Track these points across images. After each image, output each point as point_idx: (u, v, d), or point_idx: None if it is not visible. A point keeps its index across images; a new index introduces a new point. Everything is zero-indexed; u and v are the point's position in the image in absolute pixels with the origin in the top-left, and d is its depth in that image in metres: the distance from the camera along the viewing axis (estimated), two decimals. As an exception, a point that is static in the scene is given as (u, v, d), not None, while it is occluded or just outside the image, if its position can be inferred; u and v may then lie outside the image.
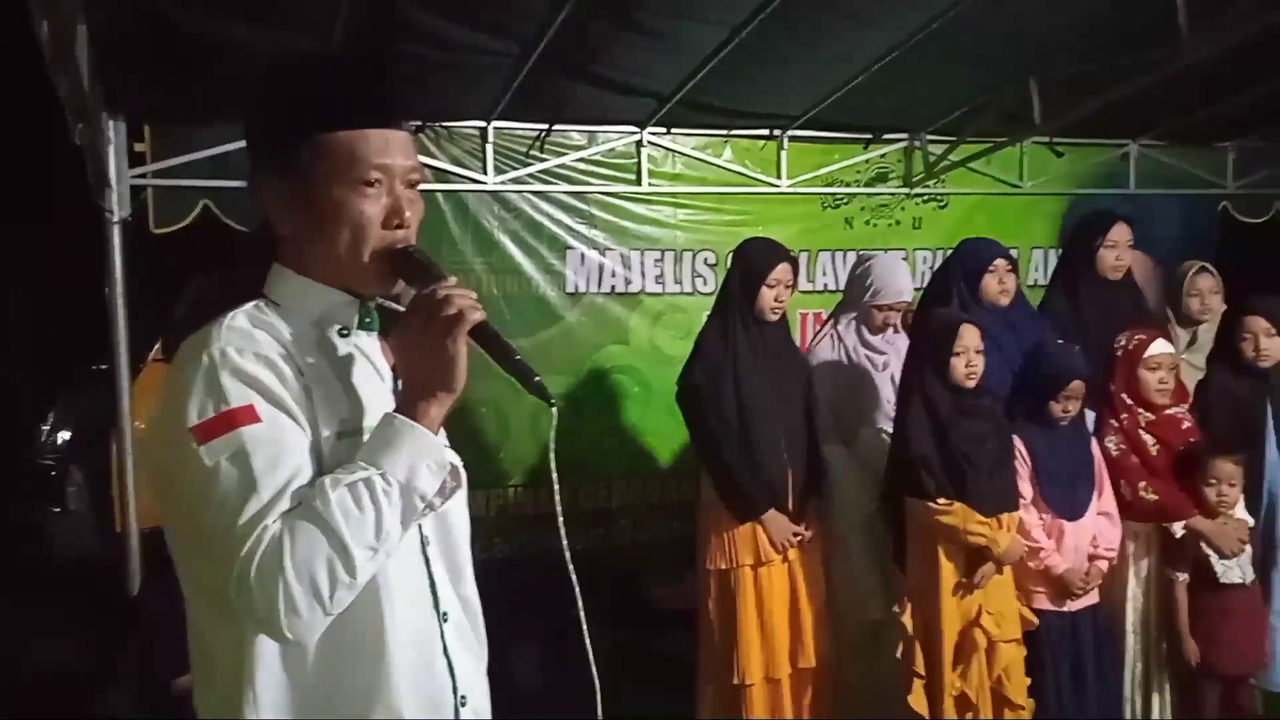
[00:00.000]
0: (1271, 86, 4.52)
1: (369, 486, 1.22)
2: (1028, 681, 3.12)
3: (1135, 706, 3.35)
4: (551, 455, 1.43)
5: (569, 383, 4.65)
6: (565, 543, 1.41)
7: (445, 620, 1.39)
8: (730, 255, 4.74)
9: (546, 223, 4.63)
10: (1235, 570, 3.26)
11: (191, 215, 4.04)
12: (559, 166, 4.59)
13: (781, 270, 3.39)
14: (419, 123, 4.32)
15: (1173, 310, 4.07)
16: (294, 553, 1.18)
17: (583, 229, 4.67)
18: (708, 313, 4.31)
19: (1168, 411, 3.36)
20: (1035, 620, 3.15)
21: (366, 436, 1.30)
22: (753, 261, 3.43)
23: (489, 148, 4.45)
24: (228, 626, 1.27)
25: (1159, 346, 3.35)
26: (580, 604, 1.40)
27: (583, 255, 4.66)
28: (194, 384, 1.24)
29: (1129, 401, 3.36)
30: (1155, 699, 3.35)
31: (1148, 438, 3.33)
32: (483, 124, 4.43)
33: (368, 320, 1.40)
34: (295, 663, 1.28)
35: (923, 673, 3.07)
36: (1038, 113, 4.24)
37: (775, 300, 3.40)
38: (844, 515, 3.51)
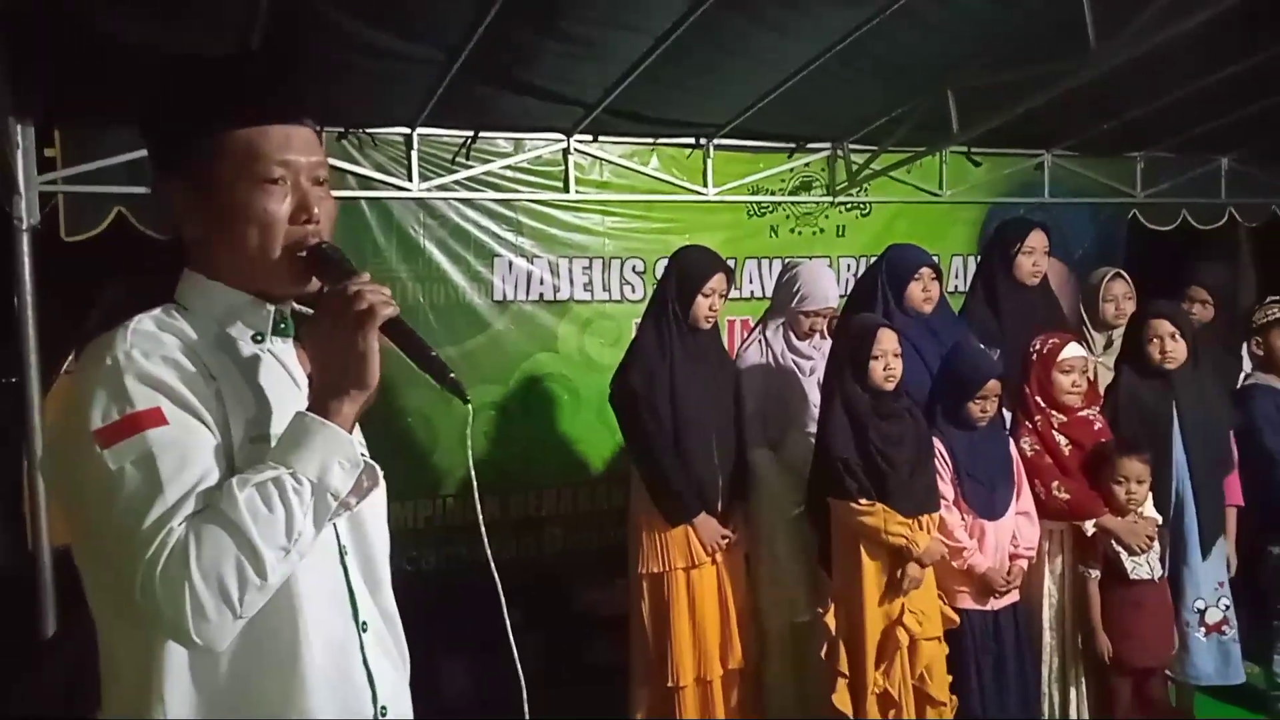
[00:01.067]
0: (1175, 98, 4.71)
1: (278, 486, 1.20)
2: (949, 679, 3.18)
3: (1052, 701, 3.44)
4: (469, 453, 1.44)
5: (498, 391, 4.62)
6: (486, 542, 1.41)
7: (364, 630, 1.37)
8: (662, 262, 4.80)
9: (473, 230, 4.60)
10: (1144, 566, 3.37)
11: (104, 223, 3.92)
12: (485, 174, 4.57)
13: (717, 280, 3.44)
14: (341, 129, 4.28)
15: (1088, 315, 4.20)
16: (200, 555, 1.15)
17: (510, 236, 4.65)
18: (637, 319, 4.35)
19: (1080, 413, 3.47)
20: (957, 619, 3.22)
21: None
22: (689, 270, 3.47)
23: (414, 155, 4.41)
24: (135, 636, 1.25)
25: (1072, 350, 3.46)
26: (505, 611, 1.40)
27: (510, 263, 4.64)
28: (97, 387, 1.22)
29: (1043, 403, 3.47)
30: (1072, 693, 3.44)
31: (1061, 438, 3.44)
32: (407, 131, 4.38)
33: (282, 325, 1.39)
34: (206, 672, 1.26)
35: (847, 672, 3.12)
36: (955, 123, 4.36)
37: (710, 309, 3.45)
38: (770, 518, 3.56)
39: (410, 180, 4.43)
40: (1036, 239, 3.93)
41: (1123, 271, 4.23)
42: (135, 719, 1.26)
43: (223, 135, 1.30)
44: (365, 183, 4.36)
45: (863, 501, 3.11)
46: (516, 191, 4.65)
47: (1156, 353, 3.54)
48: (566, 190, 4.69)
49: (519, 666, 1.40)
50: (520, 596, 4.74)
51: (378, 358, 1.26)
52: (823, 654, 3.19)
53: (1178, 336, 3.53)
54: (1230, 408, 3.70)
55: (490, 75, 3.88)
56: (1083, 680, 3.45)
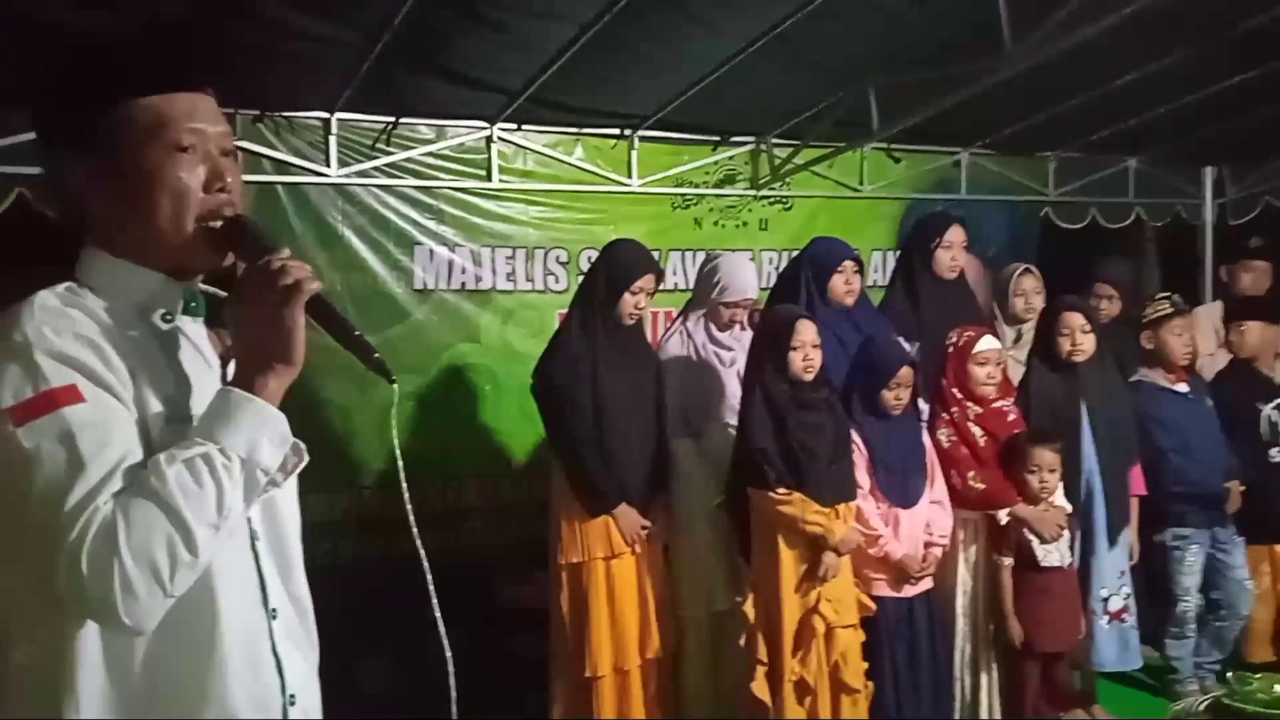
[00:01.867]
0: (1085, 100, 4.87)
1: (208, 462, 1.17)
2: (865, 666, 3.25)
3: (964, 686, 3.54)
4: (394, 435, 1.41)
5: (418, 381, 4.55)
6: (416, 533, 1.39)
7: (274, 617, 1.35)
8: (587, 253, 4.79)
9: (393, 218, 4.51)
10: (1055, 554, 3.49)
11: (4, 204, 3.78)
12: (406, 161, 4.49)
13: (646, 280, 3.46)
14: (258, 112, 4.17)
15: (1000, 309, 4.33)
16: (130, 532, 1.12)
17: (431, 225, 4.58)
18: (561, 310, 4.35)
19: (994, 404, 3.58)
20: (873, 606, 3.29)
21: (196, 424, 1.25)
22: (619, 266, 3.47)
23: (332, 140, 4.31)
24: (43, 631, 1.20)
25: (987, 343, 3.56)
26: (436, 603, 1.39)
27: (431, 251, 4.57)
28: (6, 364, 1.17)
29: (959, 395, 3.56)
30: (983, 678, 3.54)
31: (976, 429, 3.54)
32: (326, 115, 4.29)
33: (193, 305, 1.35)
34: (121, 663, 1.22)
35: (765, 660, 3.16)
36: (876, 120, 4.45)
37: (635, 307, 3.47)
38: (691, 508, 3.59)
39: (329, 166, 4.33)
40: (955, 234, 4.02)
41: (1032, 267, 4.36)
42: (43, 711, 1.21)
43: (129, 103, 1.27)
44: (282, 168, 4.25)
45: (781, 491, 3.15)
46: (438, 179, 4.58)
47: (1067, 345, 3.66)
48: (489, 179, 4.64)
49: (449, 659, 1.39)
50: (440, 590, 4.72)
51: (303, 335, 1.24)
52: (741, 642, 3.23)
53: (1088, 330, 3.65)
54: (1133, 402, 3.84)
55: (412, 60, 3.83)
56: (994, 666, 3.54)
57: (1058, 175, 6.03)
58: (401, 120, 4.43)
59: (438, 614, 1.38)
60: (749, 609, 3.21)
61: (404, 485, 1.40)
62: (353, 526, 4.37)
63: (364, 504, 4.43)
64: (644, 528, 3.45)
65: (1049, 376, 3.70)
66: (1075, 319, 3.65)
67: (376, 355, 1.31)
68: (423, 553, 1.38)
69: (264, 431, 1.22)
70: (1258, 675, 3.79)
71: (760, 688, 3.16)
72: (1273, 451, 4.06)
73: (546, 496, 3.72)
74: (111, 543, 1.12)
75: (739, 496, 3.30)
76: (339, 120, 4.32)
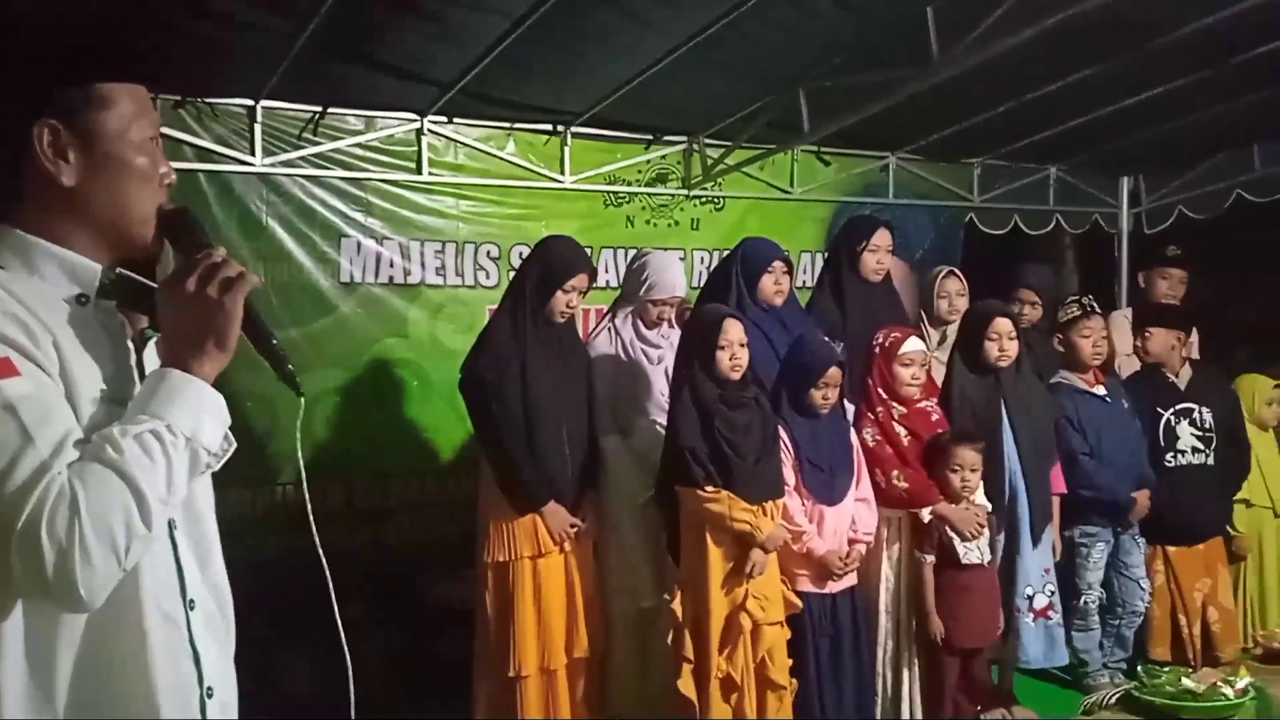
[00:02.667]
0: (1008, 108, 5.00)
1: (158, 437, 1.20)
2: (790, 662, 3.29)
3: (885, 682, 3.60)
4: (299, 446, 1.44)
5: (344, 376, 4.49)
6: (315, 534, 1.40)
7: (192, 608, 1.34)
8: (518, 248, 4.78)
9: (320, 209, 4.44)
10: (975, 552, 3.56)
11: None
12: (334, 151, 4.42)
13: (579, 279, 3.44)
14: (178, 98, 4.07)
15: (925, 311, 4.41)
16: (89, 502, 1.13)
17: (359, 217, 4.52)
18: (491, 305, 4.32)
19: (918, 405, 3.64)
20: (799, 604, 3.32)
21: (118, 407, 1.25)
22: (552, 264, 3.45)
23: (257, 128, 4.23)
24: None
25: (912, 344, 3.62)
26: (335, 602, 1.39)
27: (359, 244, 4.51)
28: None
29: (884, 395, 3.62)
30: (905, 673, 3.60)
31: (900, 429, 3.60)
32: (250, 102, 4.21)
33: (107, 288, 1.34)
34: (44, 658, 1.21)
35: (691, 657, 3.18)
36: (806, 122, 4.50)
37: (567, 305, 3.45)
38: (619, 505, 3.58)
39: (253, 154, 4.25)
40: (881, 237, 4.09)
41: (956, 270, 4.46)
42: None
43: (103, 87, 1.31)
44: (204, 155, 4.16)
45: (709, 489, 3.17)
46: (367, 171, 4.52)
47: (995, 350, 3.73)
48: (419, 171, 4.60)
49: (348, 658, 1.39)
50: (367, 588, 4.67)
51: (239, 324, 1.27)
52: (668, 640, 3.24)
53: (1014, 336, 3.73)
54: (1052, 404, 3.94)
55: (341, 49, 3.77)
56: (915, 662, 3.61)
57: (981, 182, 6.17)
58: (330, 110, 4.37)
59: (336, 614, 1.39)
60: (676, 606, 3.22)
61: (305, 488, 1.44)
62: (276, 523, 4.29)
63: (286, 500, 4.35)
64: (573, 526, 3.44)
65: (970, 378, 3.78)
66: (1004, 324, 3.73)
67: (290, 368, 1.36)
68: (322, 555, 1.40)
69: (205, 411, 1.26)
70: (1165, 669, 3.97)
71: (686, 685, 3.17)
72: (1169, 456, 4.18)
73: (476, 493, 3.70)
74: (73, 511, 1.13)
75: (667, 494, 3.32)
76: (264, 108, 4.24)
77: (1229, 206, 6.24)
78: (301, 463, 1.43)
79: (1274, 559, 4.58)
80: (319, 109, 4.34)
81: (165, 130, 3.94)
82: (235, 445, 1.35)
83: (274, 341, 1.34)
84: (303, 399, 1.38)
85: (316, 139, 4.39)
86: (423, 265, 4.67)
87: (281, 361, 1.34)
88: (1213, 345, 5.37)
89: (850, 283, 4.08)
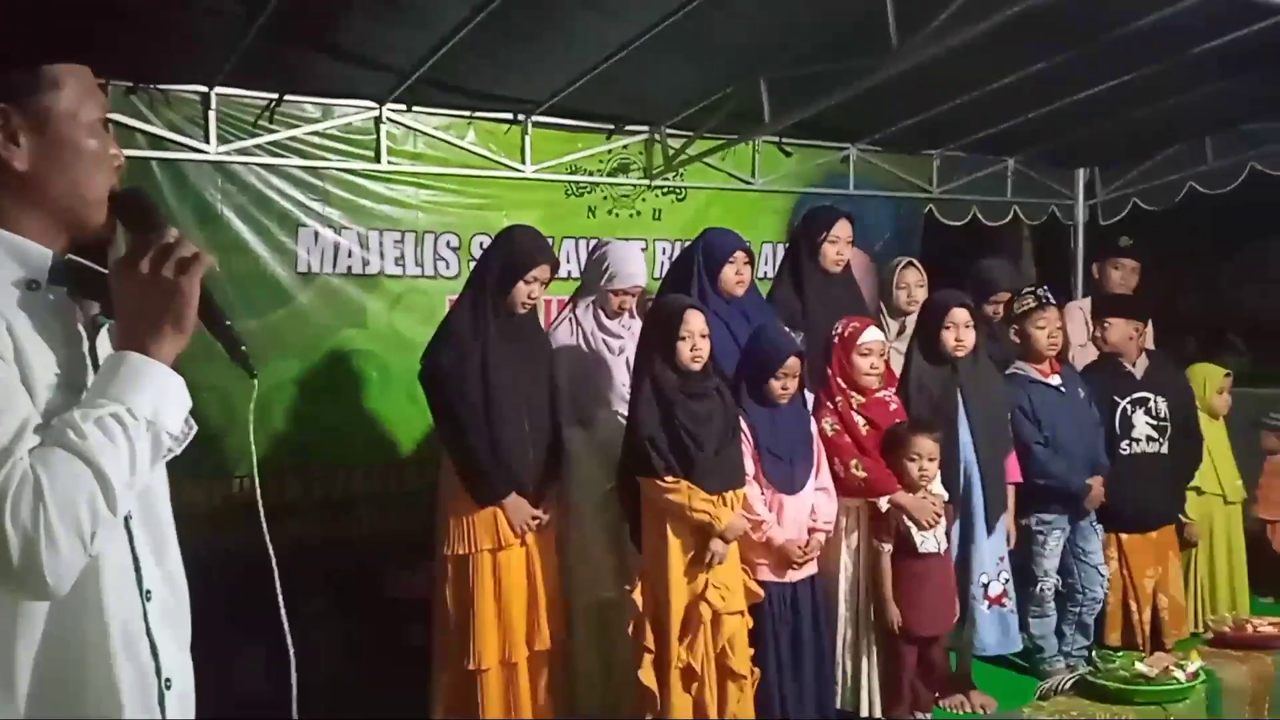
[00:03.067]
0: (967, 100, 5.05)
1: (119, 421, 1.19)
2: (751, 651, 3.31)
3: (844, 669, 3.64)
4: (251, 429, 1.42)
5: (301, 367, 4.43)
6: (265, 525, 1.39)
7: (149, 599, 1.32)
8: (478, 238, 4.75)
9: (276, 198, 4.37)
10: (932, 540, 3.60)
11: None
12: (290, 139, 4.35)
13: (541, 270, 3.42)
14: (130, 83, 4.00)
15: (884, 302, 4.45)
16: (54, 486, 1.12)
17: (317, 206, 4.45)
18: (451, 296, 4.30)
19: (877, 394, 3.68)
20: (760, 593, 3.34)
21: (72, 394, 1.23)
22: (514, 254, 3.42)
23: (212, 115, 4.16)
24: None
25: (870, 334, 3.66)
26: (280, 595, 1.38)
27: (316, 233, 4.44)
28: None
29: (843, 384, 3.65)
30: (864, 661, 3.64)
31: (859, 419, 3.63)
32: (205, 89, 4.14)
33: (58, 273, 1.32)
34: (3, 646, 1.20)
35: (652, 647, 3.19)
36: (767, 113, 4.52)
37: (529, 296, 3.43)
38: (581, 496, 3.57)
39: (208, 142, 4.18)
40: (842, 228, 4.10)
41: (915, 261, 4.50)
42: None
43: (57, 68, 1.30)
44: (156, 142, 4.08)
45: (669, 479, 3.18)
46: (324, 159, 4.46)
47: (952, 339, 3.77)
48: (378, 160, 4.54)
49: (291, 651, 1.38)
50: (328, 581, 4.63)
51: (196, 306, 1.26)
52: (629, 630, 3.25)
53: (970, 326, 3.78)
54: (1008, 394, 3.99)
55: (298, 35, 3.72)
56: (874, 649, 3.65)
57: (940, 173, 6.23)
58: (286, 97, 4.30)
59: (281, 607, 1.38)
60: (637, 596, 3.23)
61: (255, 471, 1.44)
62: (234, 515, 4.24)
63: (244, 493, 4.30)
64: (535, 518, 3.43)
65: (927, 368, 3.82)
66: (961, 315, 3.77)
67: (243, 348, 1.34)
68: (270, 548, 1.39)
69: (167, 394, 1.24)
70: (1119, 654, 4.04)
71: (647, 675, 3.18)
72: (1124, 444, 4.25)
73: (435, 486, 3.68)
74: (37, 495, 1.12)
75: (628, 484, 3.32)
76: (219, 95, 4.17)
77: (1182, 199, 6.36)
78: (254, 446, 1.41)
79: (1223, 546, 4.68)
80: (275, 96, 4.28)
81: (117, 117, 3.89)
82: (196, 428, 1.33)
83: (228, 323, 1.32)
84: (256, 380, 1.36)
85: (273, 127, 4.32)
86: (382, 255, 4.62)
87: (235, 343, 1.33)
88: (1164, 336, 5.47)
89: (810, 273, 4.10)
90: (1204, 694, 3.85)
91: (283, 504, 4.37)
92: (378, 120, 4.52)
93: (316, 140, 4.45)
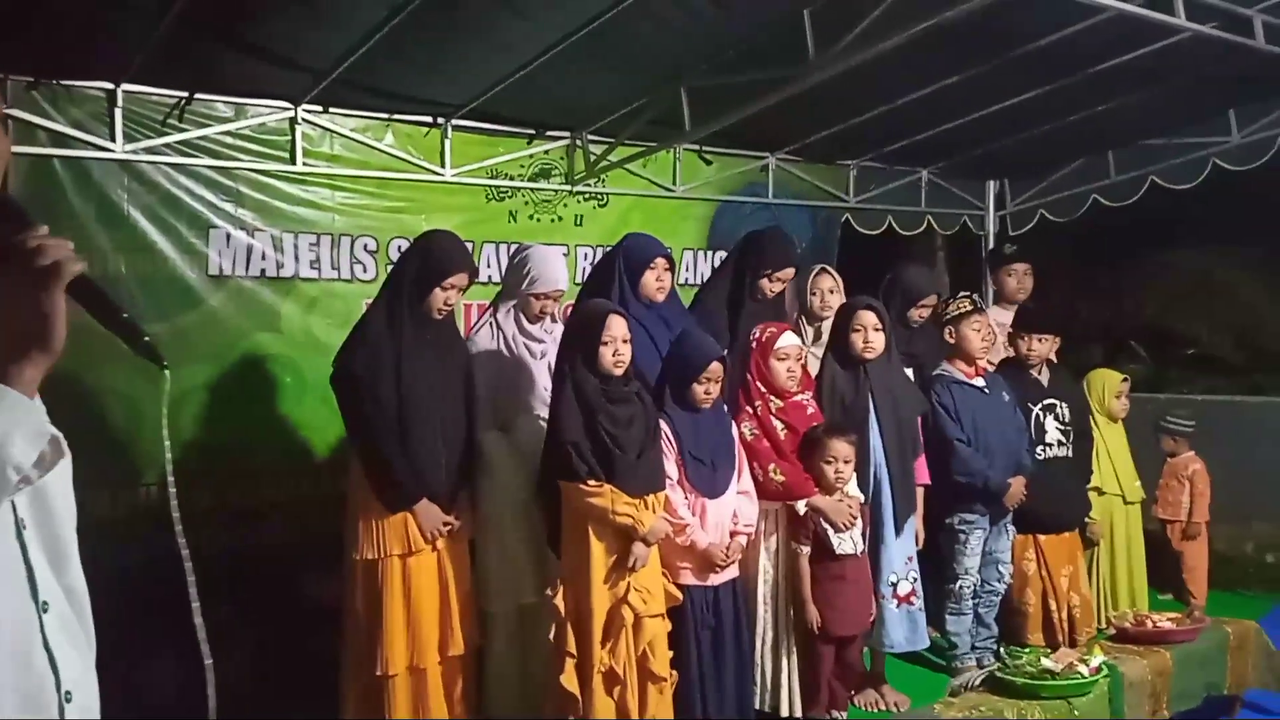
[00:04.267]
0: (881, 112, 5.18)
1: None
2: (670, 654, 3.33)
3: (764, 671, 3.68)
4: (164, 424, 1.36)
5: (212, 372, 4.33)
6: (179, 530, 1.35)
7: (45, 610, 1.27)
8: (396, 242, 4.71)
9: (186, 199, 4.27)
10: (848, 542, 3.67)
11: None
12: (201, 139, 4.26)
13: (459, 278, 3.40)
14: (31, 78, 3.87)
15: (801, 308, 4.54)
16: None
17: (229, 207, 4.36)
18: (368, 300, 4.24)
19: (795, 398, 3.73)
20: (679, 595, 3.37)
21: None
22: (432, 260, 3.39)
23: (118, 112, 4.05)
24: None
25: (787, 339, 3.72)
26: (196, 604, 1.35)
27: (228, 235, 4.35)
28: None
29: (762, 389, 3.70)
30: (783, 662, 3.69)
31: (777, 423, 3.68)
32: (111, 86, 4.02)
33: None
34: None
35: (574, 652, 3.20)
36: (688, 120, 4.58)
37: (445, 303, 3.41)
38: (500, 502, 3.56)
39: (113, 140, 4.07)
40: (788, 274, 4.18)
41: (830, 268, 4.60)
42: None
43: None
44: (59, 139, 3.95)
45: (591, 483, 3.20)
46: (237, 160, 4.37)
47: (860, 342, 3.86)
48: (293, 162, 4.47)
49: (207, 661, 1.35)
50: (239, 589, 4.53)
51: (64, 319, 1.17)
52: (550, 635, 3.25)
53: (879, 329, 3.87)
54: (919, 397, 4.09)
55: (209, 31, 3.65)
56: (794, 651, 3.71)
57: (857, 183, 6.38)
58: (197, 96, 4.21)
59: (198, 619, 1.35)
60: (559, 601, 3.23)
61: (171, 481, 1.40)
62: (140, 523, 4.12)
63: (152, 500, 4.18)
64: (446, 524, 3.41)
65: (840, 372, 3.90)
66: (869, 317, 3.86)
67: (147, 339, 1.26)
68: (185, 553, 1.34)
69: (17, 425, 1.15)
70: (1026, 650, 4.18)
71: (570, 680, 3.18)
72: (1039, 449, 4.40)
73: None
74: None
75: (549, 489, 3.32)
76: (125, 92, 4.06)
77: (1086, 210, 6.61)
78: (167, 443, 1.35)
79: (1124, 545, 4.87)
80: (185, 94, 4.19)
81: (17, 113, 3.76)
82: (67, 454, 1.26)
83: (125, 315, 1.24)
84: (167, 372, 1.30)
85: (183, 125, 4.22)
86: (296, 258, 4.54)
87: (136, 335, 1.25)
88: (1069, 344, 5.67)
89: (747, 300, 4.15)
90: (1106, 688, 4.01)
91: (194, 511, 4.21)
92: (293, 121, 4.45)
93: (229, 140, 4.36)
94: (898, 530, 3.85)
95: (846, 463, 3.64)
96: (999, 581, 4.25)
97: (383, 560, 3.34)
